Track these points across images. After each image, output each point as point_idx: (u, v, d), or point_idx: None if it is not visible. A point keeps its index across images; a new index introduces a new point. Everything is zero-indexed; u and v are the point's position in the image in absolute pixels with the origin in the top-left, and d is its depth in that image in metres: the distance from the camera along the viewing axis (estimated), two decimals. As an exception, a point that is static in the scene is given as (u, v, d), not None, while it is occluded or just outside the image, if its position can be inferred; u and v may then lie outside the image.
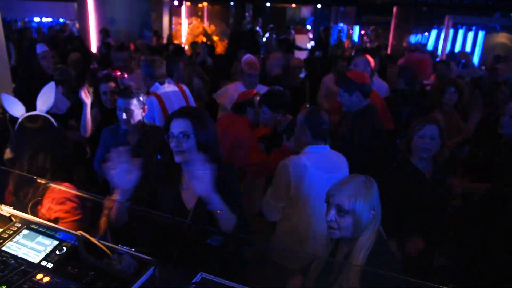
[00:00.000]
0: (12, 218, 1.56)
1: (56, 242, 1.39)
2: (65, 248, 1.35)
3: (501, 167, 2.63)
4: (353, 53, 10.21)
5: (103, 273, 1.24)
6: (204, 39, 11.13)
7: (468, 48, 11.09)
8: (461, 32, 11.60)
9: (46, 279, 1.23)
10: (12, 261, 1.30)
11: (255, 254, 2.03)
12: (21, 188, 1.88)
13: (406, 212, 2.32)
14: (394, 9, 11.60)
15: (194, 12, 13.87)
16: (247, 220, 1.85)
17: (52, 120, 2.00)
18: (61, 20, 14.43)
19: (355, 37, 15.84)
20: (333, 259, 1.69)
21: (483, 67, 8.28)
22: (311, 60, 6.31)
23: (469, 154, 3.47)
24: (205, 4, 12.58)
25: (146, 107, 2.76)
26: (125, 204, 1.62)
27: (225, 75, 5.88)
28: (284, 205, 2.36)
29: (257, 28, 7.05)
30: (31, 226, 1.48)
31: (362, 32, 16.57)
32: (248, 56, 3.80)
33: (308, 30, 14.20)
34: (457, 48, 11.30)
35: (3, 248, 1.38)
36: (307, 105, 3.72)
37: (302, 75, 5.47)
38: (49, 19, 14.97)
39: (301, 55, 9.01)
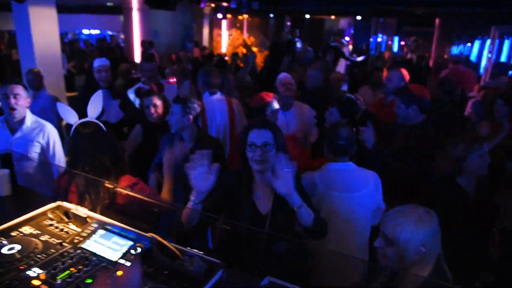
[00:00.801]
0: (88, 219, 1.70)
1: (130, 243, 1.50)
2: (139, 249, 1.46)
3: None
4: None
5: (176, 273, 1.34)
6: (244, 50, 11.36)
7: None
8: (507, 43, 11.20)
9: (125, 276, 1.34)
10: (94, 258, 1.43)
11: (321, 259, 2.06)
12: (89, 190, 2.04)
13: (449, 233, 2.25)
14: (437, 20, 11.38)
15: (234, 24, 14.20)
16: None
17: (101, 125, 2.15)
18: (109, 32, 15.13)
19: (395, 48, 15.63)
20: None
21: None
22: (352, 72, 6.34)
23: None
24: (245, 16, 12.85)
25: (191, 116, 2.71)
26: (198, 206, 1.73)
27: (265, 87, 5.99)
28: None
29: (296, 40, 7.11)
30: (106, 226, 1.61)
31: (402, 42, 16.33)
32: (284, 76, 3.62)
33: (347, 42, 14.17)
34: (503, 59, 10.92)
35: (83, 246, 1.51)
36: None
37: (344, 87, 5.50)
38: (97, 31, 15.76)
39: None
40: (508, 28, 10.85)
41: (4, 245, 1.50)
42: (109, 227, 1.60)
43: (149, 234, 1.53)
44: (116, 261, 1.42)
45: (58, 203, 1.83)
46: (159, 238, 1.49)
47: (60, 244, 1.52)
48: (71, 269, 1.37)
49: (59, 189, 2.12)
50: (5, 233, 1.60)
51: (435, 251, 1.49)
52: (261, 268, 1.41)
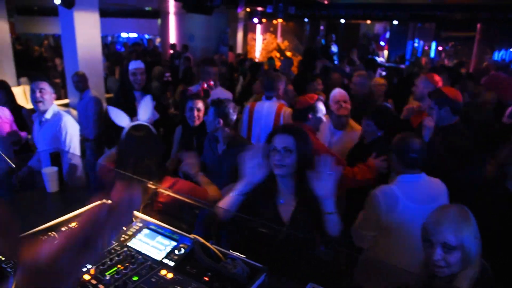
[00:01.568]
0: (133, 218, 1.75)
1: (174, 243, 1.54)
2: (183, 250, 1.50)
3: None
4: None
5: (219, 275, 1.36)
6: (278, 55, 11.39)
7: None
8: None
9: (170, 275, 1.38)
10: (140, 256, 1.48)
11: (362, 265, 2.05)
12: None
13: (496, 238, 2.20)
14: (478, 25, 11.00)
15: (268, 28, 14.28)
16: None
17: (152, 128, 2.22)
18: (146, 36, 15.55)
19: (432, 54, 15.21)
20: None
21: None
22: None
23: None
24: (279, 20, 12.89)
25: (221, 120, 2.74)
26: (240, 197, 1.80)
27: (299, 91, 5.99)
28: (375, 234, 2.27)
29: (332, 45, 7.06)
30: (150, 226, 1.66)
31: (440, 48, 15.88)
32: (338, 92, 3.34)
33: (382, 46, 13.93)
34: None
35: (129, 244, 1.57)
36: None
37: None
38: (135, 35, 16.25)
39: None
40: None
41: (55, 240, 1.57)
42: (153, 227, 1.65)
43: (192, 236, 1.57)
44: (161, 261, 1.46)
45: (104, 201, 1.90)
46: (201, 240, 1.52)
47: (108, 241, 1.58)
48: (119, 266, 1.41)
49: (103, 186, 2.20)
50: (55, 228, 1.68)
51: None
52: (304, 273, 1.41)
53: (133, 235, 1.62)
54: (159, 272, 1.39)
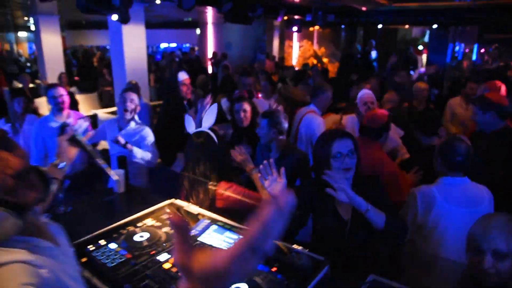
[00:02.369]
0: (199, 216, 1.92)
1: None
2: (250, 243, 1.64)
3: None
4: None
5: (286, 266, 1.49)
6: (315, 61, 11.47)
7: None
8: None
9: (241, 266, 1.52)
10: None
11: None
12: (194, 191, 2.28)
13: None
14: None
15: (305, 35, 14.40)
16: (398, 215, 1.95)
17: (213, 136, 2.36)
18: (186, 45, 16.04)
19: (473, 56, 14.75)
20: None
21: None
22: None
23: None
24: (316, 27, 12.99)
25: (274, 130, 2.82)
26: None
27: (337, 98, 6.04)
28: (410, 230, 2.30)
29: (373, 50, 7.06)
30: (218, 223, 1.82)
31: (482, 50, 15.37)
32: (365, 93, 3.53)
33: (420, 50, 13.68)
34: None
35: (200, 239, 1.73)
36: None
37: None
38: (174, 44, 16.83)
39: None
40: None
41: (136, 233, 1.76)
42: (221, 223, 1.81)
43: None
44: (231, 253, 1.61)
45: (172, 200, 2.09)
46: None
47: (180, 235, 1.75)
48: (194, 257, 1.57)
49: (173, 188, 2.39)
50: (133, 224, 1.87)
51: None
52: (364, 267, 1.51)
53: (203, 231, 1.78)
54: (231, 263, 1.54)
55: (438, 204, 2.21)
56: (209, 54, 12.95)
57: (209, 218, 1.87)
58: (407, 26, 13.41)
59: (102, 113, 6.43)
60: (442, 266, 1.88)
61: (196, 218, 1.91)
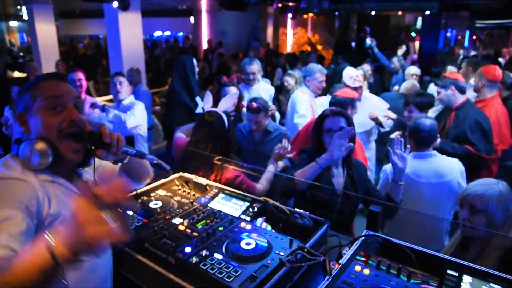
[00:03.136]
0: (207, 186, 2.07)
1: (247, 203, 1.85)
2: (256, 208, 1.80)
3: None
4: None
5: (290, 225, 1.65)
6: (309, 48, 11.57)
7: None
8: None
9: (249, 226, 1.68)
10: (222, 213, 1.79)
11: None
12: (200, 164, 2.42)
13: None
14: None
15: (299, 23, 14.46)
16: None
17: (225, 119, 2.49)
18: (180, 34, 16.02)
19: (466, 43, 14.92)
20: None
21: None
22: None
23: None
24: (310, 14, 13.05)
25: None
26: (319, 169, 2.09)
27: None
28: None
29: (368, 38, 7.17)
30: (225, 191, 1.98)
31: (474, 37, 15.54)
32: (348, 69, 3.99)
33: (413, 37, 13.80)
34: None
35: (210, 205, 1.88)
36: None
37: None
38: (168, 33, 16.78)
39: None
40: None
41: (151, 201, 1.91)
42: (228, 192, 1.97)
43: (262, 198, 1.87)
44: (239, 216, 1.77)
45: (180, 173, 2.24)
46: (271, 200, 1.81)
47: (191, 203, 1.91)
48: (206, 219, 1.73)
49: (178, 161, 2.54)
50: (146, 194, 2.02)
51: None
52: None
53: (212, 198, 1.93)
54: (240, 224, 1.70)
55: (407, 177, 2.35)
56: (204, 42, 13.00)
57: (217, 187, 2.03)
58: (400, 13, 13.51)
59: (99, 102, 6.52)
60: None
61: (204, 188, 2.06)
